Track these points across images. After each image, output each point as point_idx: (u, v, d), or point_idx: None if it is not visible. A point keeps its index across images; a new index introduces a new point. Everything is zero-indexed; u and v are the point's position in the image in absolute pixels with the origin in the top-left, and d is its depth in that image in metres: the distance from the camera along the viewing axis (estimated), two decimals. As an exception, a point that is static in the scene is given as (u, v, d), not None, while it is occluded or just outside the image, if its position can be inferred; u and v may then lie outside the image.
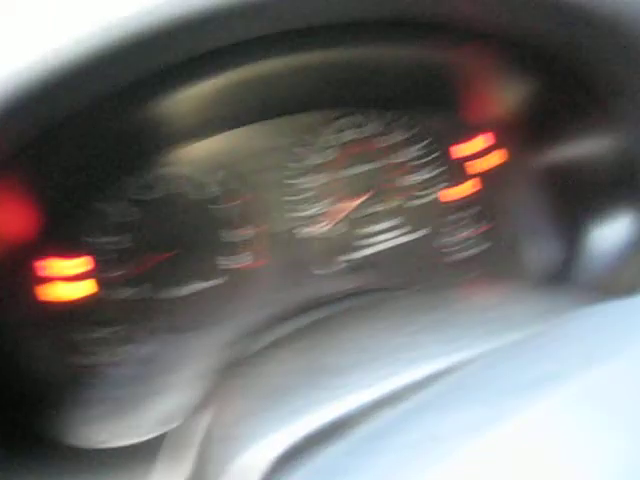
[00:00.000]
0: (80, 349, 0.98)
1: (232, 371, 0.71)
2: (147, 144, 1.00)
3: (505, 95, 1.10)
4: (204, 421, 0.72)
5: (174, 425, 0.88)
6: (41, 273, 0.95)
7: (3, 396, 0.84)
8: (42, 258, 0.95)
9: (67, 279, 0.97)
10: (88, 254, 0.98)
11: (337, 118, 1.12)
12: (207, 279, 1.04)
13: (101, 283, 0.99)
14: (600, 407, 0.27)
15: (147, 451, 0.82)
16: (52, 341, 0.95)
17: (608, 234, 1.00)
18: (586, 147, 1.01)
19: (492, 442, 0.27)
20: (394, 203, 1.14)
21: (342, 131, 1.12)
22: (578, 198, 1.06)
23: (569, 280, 1.02)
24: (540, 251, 1.15)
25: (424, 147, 1.15)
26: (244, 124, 1.07)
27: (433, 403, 0.34)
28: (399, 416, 0.35)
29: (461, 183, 1.17)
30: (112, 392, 0.96)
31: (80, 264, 0.98)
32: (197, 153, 1.05)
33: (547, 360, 0.32)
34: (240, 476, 0.43)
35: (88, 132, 0.82)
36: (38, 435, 0.88)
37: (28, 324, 0.93)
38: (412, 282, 1.04)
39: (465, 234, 1.18)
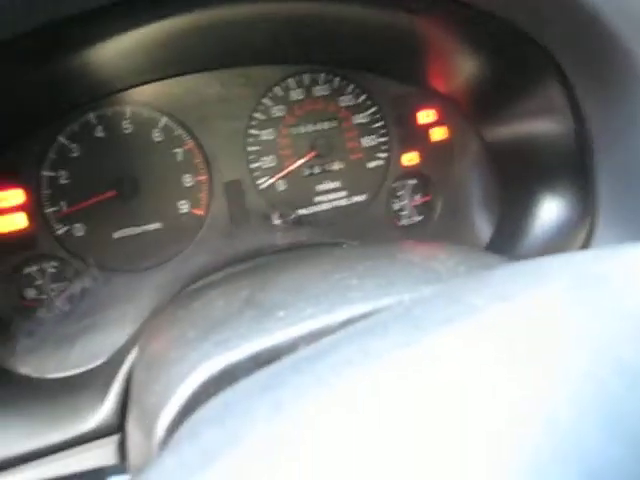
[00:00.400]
0: (14, 283, 0.96)
1: (163, 309, 0.72)
2: (88, 86, 0.98)
3: (457, 68, 1.12)
4: (131, 356, 0.73)
5: (101, 361, 0.89)
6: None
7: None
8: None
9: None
10: (22, 187, 0.96)
11: (286, 77, 1.12)
12: (144, 223, 1.03)
13: (33, 218, 0.97)
14: (507, 335, 0.29)
15: (83, 383, 0.83)
16: None
17: (554, 209, 1.04)
18: (535, 125, 1.04)
19: (413, 355, 0.29)
20: (339, 165, 1.16)
21: (291, 90, 1.12)
22: (526, 173, 1.09)
23: (514, 253, 1.07)
24: (487, 223, 1.19)
25: (371, 114, 1.17)
26: (191, 72, 1.06)
27: (356, 334, 0.36)
28: (324, 345, 0.37)
29: (407, 152, 1.20)
30: (47, 326, 0.96)
31: (13, 196, 0.96)
32: (142, 96, 1.04)
33: (460, 303, 0.34)
34: (163, 401, 0.44)
35: (21, 71, 0.80)
36: None
37: None
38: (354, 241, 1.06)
39: (410, 202, 1.21)
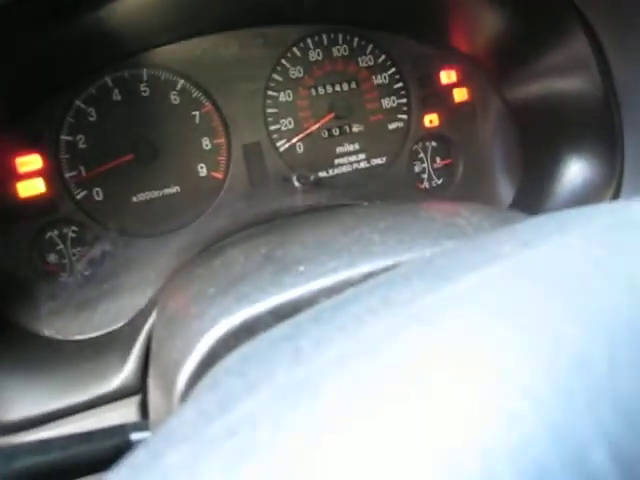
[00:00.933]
0: (36, 248, 0.97)
1: (182, 268, 0.72)
2: (105, 47, 0.97)
3: (479, 25, 1.09)
4: (152, 317, 0.74)
5: (123, 323, 0.90)
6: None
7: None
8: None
9: (20, 177, 0.95)
10: (41, 152, 0.96)
11: (305, 37, 1.10)
12: (162, 187, 1.03)
13: (53, 183, 0.97)
14: (533, 278, 0.28)
15: (105, 344, 0.85)
16: (10, 237, 0.94)
17: (579, 170, 1.02)
18: (559, 82, 1.01)
19: (436, 301, 0.28)
20: (359, 127, 1.14)
21: (309, 50, 1.10)
22: (550, 133, 1.07)
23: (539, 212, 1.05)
24: (509, 185, 1.17)
25: (391, 75, 1.15)
26: (208, 32, 1.05)
27: (377, 285, 0.35)
28: (345, 296, 0.36)
29: (428, 113, 1.18)
30: (70, 290, 0.97)
31: (32, 162, 0.96)
32: (159, 59, 1.03)
33: (485, 252, 0.33)
34: (183, 356, 0.43)
35: (38, 33, 0.79)
36: (16, 326, 0.91)
37: None
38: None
39: (431, 164, 1.19)
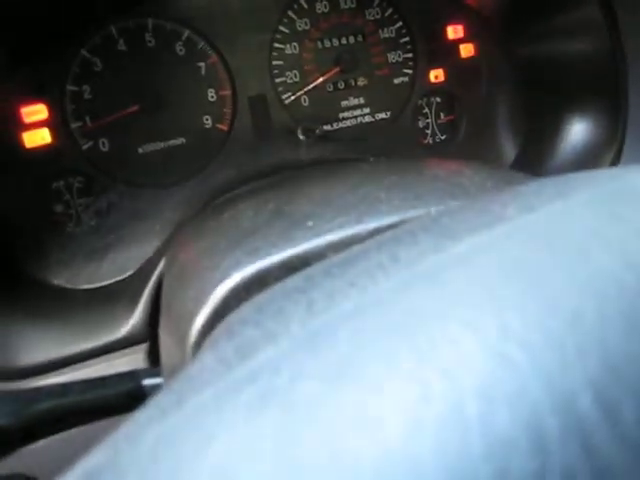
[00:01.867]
0: (43, 198, 0.98)
1: (190, 222, 0.73)
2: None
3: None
4: (159, 267, 0.76)
5: (131, 272, 0.91)
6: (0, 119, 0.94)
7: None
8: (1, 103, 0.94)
9: (25, 126, 0.95)
10: (46, 102, 0.96)
11: None
12: (168, 138, 1.03)
13: (58, 133, 0.97)
14: (533, 240, 0.30)
15: (114, 293, 0.87)
16: (16, 188, 0.95)
17: (581, 131, 1.03)
18: (567, 43, 1.01)
19: (443, 260, 0.30)
20: (364, 81, 1.14)
21: (316, 1, 1.10)
22: (554, 93, 1.07)
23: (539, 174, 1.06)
24: (512, 143, 1.17)
25: (397, 29, 1.14)
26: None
27: (384, 242, 0.37)
28: (353, 252, 0.38)
29: (434, 68, 1.17)
30: (77, 240, 0.98)
31: (37, 112, 0.96)
32: (164, 8, 1.02)
33: (489, 213, 0.35)
34: (197, 306, 0.45)
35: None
36: (26, 275, 0.93)
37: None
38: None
39: (435, 120, 1.20)
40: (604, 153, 1.00)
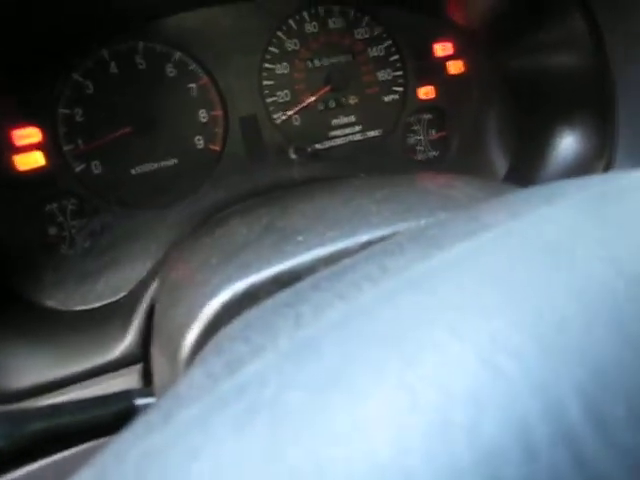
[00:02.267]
0: (37, 220, 0.98)
1: (182, 240, 0.73)
2: (101, 20, 0.97)
3: (473, 0, 1.10)
4: (152, 287, 0.75)
5: (124, 293, 0.91)
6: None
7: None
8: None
9: (17, 149, 0.96)
10: (39, 125, 0.96)
11: (301, 9, 1.10)
12: (160, 159, 1.04)
13: (51, 156, 0.97)
14: (519, 246, 0.30)
15: (107, 314, 0.86)
16: (10, 211, 0.95)
17: (572, 143, 1.04)
18: (554, 57, 1.02)
19: (430, 267, 0.30)
20: (355, 100, 1.15)
21: (305, 22, 1.11)
22: (544, 107, 1.08)
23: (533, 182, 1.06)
24: (503, 158, 1.18)
25: (386, 47, 1.15)
26: (205, 4, 1.05)
27: (373, 254, 0.37)
28: (342, 265, 0.38)
29: (423, 85, 1.18)
30: (70, 262, 0.98)
31: (30, 135, 0.96)
32: (155, 31, 1.03)
33: (475, 222, 0.35)
34: (187, 322, 0.45)
35: (35, 6, 0.80)
36: (19, 297, 0.93)
37: None
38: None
39: (426, 137, 1.20)
40: (595, 165, 1.00)
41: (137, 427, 0.28)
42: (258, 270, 0.45)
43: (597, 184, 0.36)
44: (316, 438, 0.22)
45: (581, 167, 1.04)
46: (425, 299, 0.27)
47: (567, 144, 1.05)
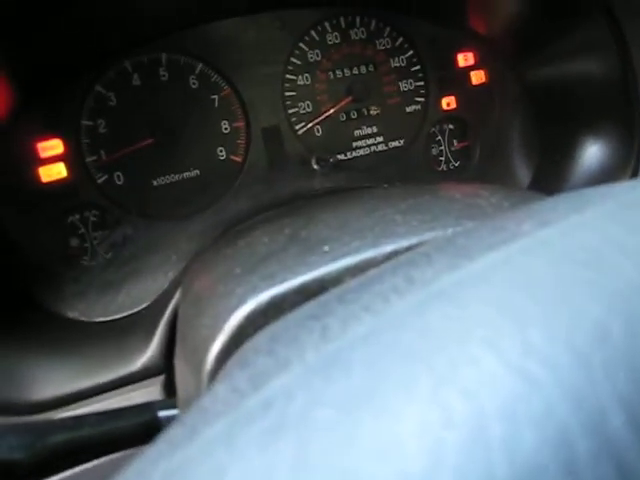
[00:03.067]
0: (59, 232, 0.99)
1: (205, 251, 0.73)
2: (123, 31, 0.98)
3: (497, 6, 1.09)
4: (174, 298, 0.75)
5: (146, 304, 0.91)
6: (17, 154, 0.95)
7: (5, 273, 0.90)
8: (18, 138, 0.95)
9: (41, 161, 0.96)
10: (61, 137, 0.97)
11: (322, 20, 1.10)
12: (182, 171, 1.04)
13: (74, 168, 0.98)
14: (551, 255, 0.29)
15: (129, 326, 0.86)
16: (32, 222, 0.96)
17: (596, 153, 1.02)
18: (578, 65, 1.01)
19: (458, 278, 0.29)
20: (376, 110, 1.14)
21: (327, 33, 1.11)
22: (567, 116, 1.07)
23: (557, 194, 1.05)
24: (526, 168, 1.17)
25: (408, 58, 1.15)
26: (227, 16, 1.05)
27: (399, 265, 0.36)
28: (368, 276, 0.37)
29: (445, 96, 1.18)
30: (92, 273, 0.99)
31: (53, 146, 0.97)
32: (177, 43, 1.03)
33: (504, 231, 0.34)
34: (212, 333, 0.44)
35: (57, 18, 0.80)
36: (41, 308, 0.93)
37: (9, 202, 0.95)
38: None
39: (448, 147, 1.20)
40: (620, 175, 0.99)
41: (161, 444, 0.28)
42: (283, 281, 0.44)
43: (625, 191, 0.35)
44: (346, 456, 0.22)
45: (606, 177, 1.02)
46: (455, 311, 0.27)
47: (591, 154, 1.04)
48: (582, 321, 0.24)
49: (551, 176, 1.11)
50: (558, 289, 0.26)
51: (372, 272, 0.38)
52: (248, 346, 0.37)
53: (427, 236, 0.47)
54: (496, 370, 0.22)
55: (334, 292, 0.37)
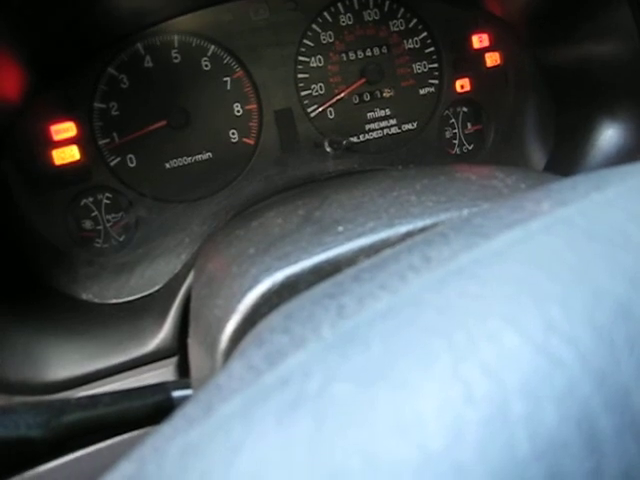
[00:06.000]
0: (72, 214, 0.99)
1: (218, 231, 0.73)
2: (135, 13, 0.97)
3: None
4: (187, 281, 0.75)
5: (159, 286, 0.91)
6: (31, 137, 0.95)
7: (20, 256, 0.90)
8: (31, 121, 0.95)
9: (55, 144, 0.97)
10: (74, 120, 0.97)
11: (335, 1, 1.09)
12: (195, 153, 1.04)
13: (87, 150, 0.98)
14: (572, 233, 0.28)
15: (142, 308, 0.87)
16: (46, 205, 0.97)
17: (613, 136, 1.01)
18: (595, 47, 1.00)
19: (477, 256, 0.29)
20: (390, 93, 1.13)
21: (340, 14, 1.10)
22: (584, 99, 1.06)
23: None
24: (541, 151, 1.16)
25: (422, 39, 1.14)
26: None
27: (415, 244, 0.36)
28: (384, 255, 0.37)
29: (460, 78, 1.16)
30: (106, 255, 0.99)
31: (66, 129, 0.97)
32: (189, 25, 1.03)
33: (522, 210, 0.34)
34: (227, 313, 0.44)
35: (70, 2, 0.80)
36: (56, 290, 0.93)
37: (23, 185, 0.95)
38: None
39: (462, 130, 1.18)
40: (636, 158, 0.98)
41: (177, 420, 0.27)
42: (297, 261, 0.44)
43: None
44: (364, 432, 0.21)
45: (622, 160, 1.01)
46: (475, 288, 0.26)
47: (607, 137, 1.03)
48: (604, 298, 0.23)
49: (566, 159, 1.10)
50: (579, 267, 0.26)
51: (387, 252, 0.37)
52: (263, 325, 0.37)
53: (442, 217, 0.46)
54: (517, 347, 0.22)
55: (349, 272, 0.36)
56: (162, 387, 0.53)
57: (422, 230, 0.45)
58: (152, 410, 0.51)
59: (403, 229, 0.45)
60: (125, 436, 0.51)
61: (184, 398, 0.52)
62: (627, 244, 0.26)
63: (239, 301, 0.43)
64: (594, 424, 0.20)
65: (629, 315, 0.22)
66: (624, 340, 0.22)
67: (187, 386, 0.53)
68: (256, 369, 0.29)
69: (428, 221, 0.46)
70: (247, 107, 1.06)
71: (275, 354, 0.29)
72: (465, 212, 0.46)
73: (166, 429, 0.27)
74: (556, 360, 0.21)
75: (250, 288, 0.43)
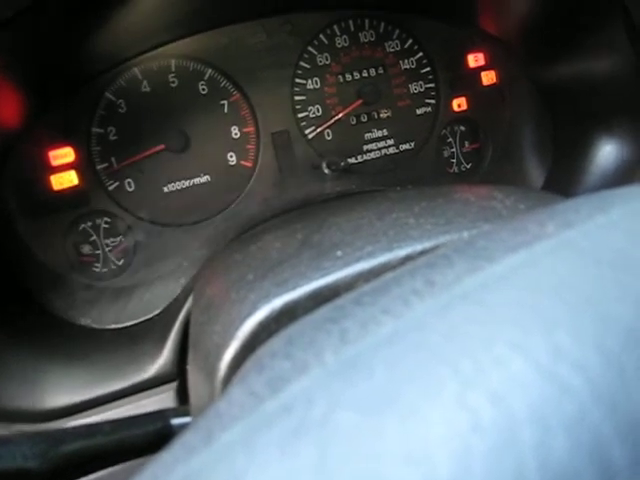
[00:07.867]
0: (71, 239, 0.99)
1: (217, 255, 0.72)
2: (132, 38, 0.98)
3: (508, 6, 1.08)
4: (187, 305, 0.75)
5: (158, 311, 0.91)
6: (30, 163, 0.95)
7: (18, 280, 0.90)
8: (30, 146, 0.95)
9: (53, 169, 0.97)
10: (72, 145, 0.97)
11: (331, 23, 1.10)
12: (193, 176, 1.04)
13: (85, 175, 0.98)
14: (578, 256, 0.28)
15: (141, 333, 0.86)
16: (45, 229, 0.96)
17: (610, 152, 1.01)
18: (591, 64, 1.00)
19: (481, 280, 0.28)
20: (387, 113, 1.14)
21: (336, 36, 1.10)
22: (581, 115, 1.06)
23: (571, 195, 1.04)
24: (539, 169, 1.16)
25: (418, 59, 1.14)
26: (235, 21, 1.05)
27: (417, 268, 0.35)
28: (385, 279, 0.36)
29: (456, 97, 1.17)
30: (104, 280, 0.99)
31: (64, 154, 0.97)
32: (186, 49, 1.03)
33: (526, 232, 0.33)
34: (225, 340, 0.44)
35: (67, 27, 0.80)
36: (54, 315, 0.93)
37: (22, 210, 0.95)
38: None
39: (459, 149, 1.19)
40: (635, 175, 0.98)
41: (176, 449, 0.27)
42: (296, 287, 0.44)
43: None
44: (369, 461, 0.21)
45: (620, 177, 1.01)
46: (480, 313, 0.26)
47: (605, 154, 1.03)
48: (612, 323, 0.23)
49: (565, 176, 1.10)
50: (586, 291, 0.25)
51: (388, 276, 0.37)
52: (264, 350, 0.37)
53: (442, 239, 0.46)
54: (525, 373, 0.22)
55: (349, 296, 0.36)
56: (161, 415, 0.52)
57: (421, 253, 0.44)
58: (151, 438, 0.50)
59: (402, 252, 0.45)
60: (124, 465, 0.50)
61: (183, 426, 0.51)
62: (633, 268, 0.26)
63: (237, 328, 0.43)
64: (607, 454, 0.19)
65: (638, 340, 0.22)
66: (634, 366, 0.21)
67: (186, 413, 0.52)
68: (257, 395, 0.28)
69: (427, 244, 0.45)
70: (244, 130, 1.06)
71: (277, 380, 0.29)
72: (465, 234, 0.46)
73: (165, 458, 0.27)
74: (565, 387, 0.21)
75: (249, 315, 0.43)
